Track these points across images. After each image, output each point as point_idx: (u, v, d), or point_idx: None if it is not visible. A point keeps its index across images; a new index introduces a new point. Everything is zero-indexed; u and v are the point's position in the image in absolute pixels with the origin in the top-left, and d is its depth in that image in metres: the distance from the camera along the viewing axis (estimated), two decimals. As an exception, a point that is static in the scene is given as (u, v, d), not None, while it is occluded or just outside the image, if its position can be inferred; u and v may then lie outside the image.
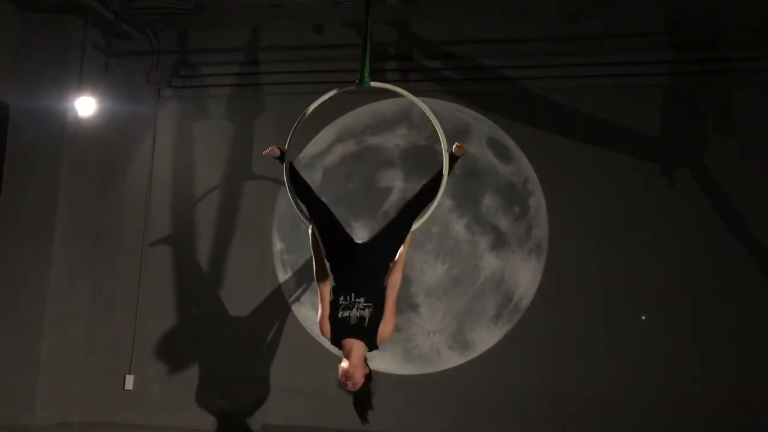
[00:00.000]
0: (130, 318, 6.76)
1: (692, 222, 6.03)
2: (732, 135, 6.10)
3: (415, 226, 3.94)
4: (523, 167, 6.39)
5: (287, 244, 6.68)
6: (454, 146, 3.99)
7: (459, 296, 6.31)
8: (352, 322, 3.66)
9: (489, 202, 6.39)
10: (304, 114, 4.12)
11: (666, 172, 6.16)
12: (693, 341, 5.88)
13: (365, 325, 3.64)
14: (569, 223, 6.24)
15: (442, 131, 4.00)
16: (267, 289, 6.63)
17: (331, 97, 4.13)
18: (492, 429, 6.05)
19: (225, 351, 6.60)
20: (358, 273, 3.75)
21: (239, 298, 6.65)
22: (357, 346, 3.62)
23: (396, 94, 4.21)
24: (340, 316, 3.68)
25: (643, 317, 5.97)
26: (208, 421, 6.47)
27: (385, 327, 3.68)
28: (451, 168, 3.97)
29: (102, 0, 6.56)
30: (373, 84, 4.13)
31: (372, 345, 3.67)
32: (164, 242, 6.86)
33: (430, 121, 4.06)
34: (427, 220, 4.09)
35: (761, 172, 5.99)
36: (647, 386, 5.88)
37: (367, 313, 3.66)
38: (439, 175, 3.94)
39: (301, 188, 4.07)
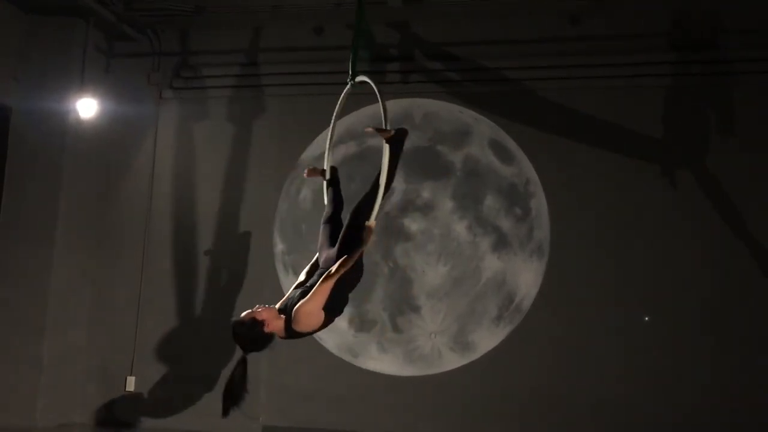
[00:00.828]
0: (132, 319, 6.76)
1: (693, 223, 6.04)
2: (733, 135, 6.11)
3: (369, 222, 3.75)
4: (525, 168, 6.40)
5: (288, 245, 6.69)
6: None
7: (460, 297, 6.31)
8: (288, 296, 3.60)
9: (490, 203, 6.39)
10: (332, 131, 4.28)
11: (667, 173, 6.17)
12: (694, 341, 5.88)
13: (294, 297, 3.53)
14: (571, 225, 6.24)
15: (387, 119, 3.87)
16: (268, 291, 6.63)
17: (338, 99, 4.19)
18: (493, 430, 6.04)
19: (226, 352, 6.58)
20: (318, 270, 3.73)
21: (240, 300, 6.64)
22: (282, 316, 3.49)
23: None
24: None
25: (647, 318, 5.97)
26: (209, 422, 6.47)
27: (303, 306, 3.42)
28: (393, 158, 3.81)
29: (103, 2, 6.58)
30: (358, 79, 4.09)
31: (288, 320, 3.45)
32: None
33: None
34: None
35: (762, 173, 5.99)
36: (648, 387, 5.87)
37: (299, 291, 3.57)
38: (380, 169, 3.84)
39: (335, 195, 4.17)
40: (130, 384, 6.66)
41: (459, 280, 6.32)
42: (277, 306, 3.61)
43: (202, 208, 6.87)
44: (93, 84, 6.65)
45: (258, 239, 6.73)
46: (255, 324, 3.41)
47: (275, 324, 3.46)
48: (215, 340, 6.62)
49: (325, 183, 4.24)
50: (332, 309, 3.54)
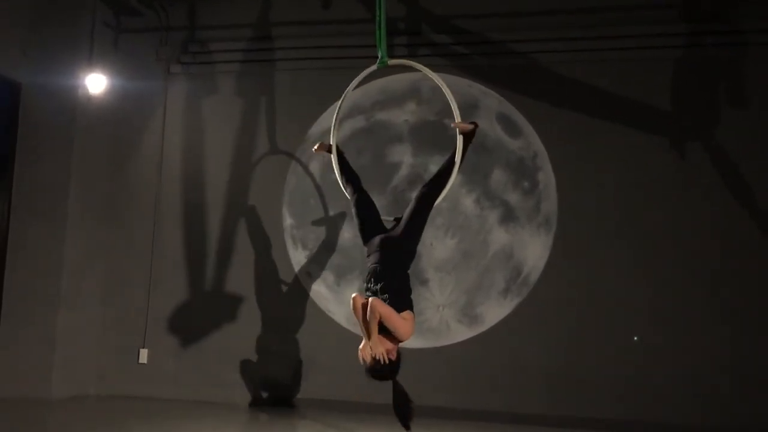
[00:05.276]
0: (144, 292, 6.84)
1: (702, 196, 6.02)
2: (743, 108, 6.06)
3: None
4: (533, 142, 6.38)
5: (297, 219, 6.73)
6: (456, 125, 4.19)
7: (468, 270, 6.34)
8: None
9: (498, 176, 6.40)
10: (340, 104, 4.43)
11: (676, 146, 6.13)
12: (702, 315, 5.89)
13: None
14: (578, 198, 6.24)
15: (457, 108, 4.09)
16: (277, 265, 6.69)
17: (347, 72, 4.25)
18: (500, 402, 6.11)
19: (236, 325, 6.68)
20: (378, 261, 3.99)
21: (249, 274, 6.71)
22: None
23: (405, 69, 4.26)
24: None
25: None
26: (220, 393, 6.57)
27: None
28: (465, 148, 4.11)
29: (111, -24, 6.58)
30: (391, 62, 4.37)
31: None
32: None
33: (445, 96, 4.17)
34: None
35: (772, 145, 5.96)
36: (655, 360, 5.91)
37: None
38: (453, 157, 4.18)
39: (349, 176, 4.40)
40: (143, 356, 6.76)
41: (467, 253, 6.35)
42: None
43: (212, 183, 6.91)
44: (101, 59, 6.68)
45: (267, 214, 6.77)
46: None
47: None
48: (226, 314, 6.71)
49: (334, 158, 4.34)
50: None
